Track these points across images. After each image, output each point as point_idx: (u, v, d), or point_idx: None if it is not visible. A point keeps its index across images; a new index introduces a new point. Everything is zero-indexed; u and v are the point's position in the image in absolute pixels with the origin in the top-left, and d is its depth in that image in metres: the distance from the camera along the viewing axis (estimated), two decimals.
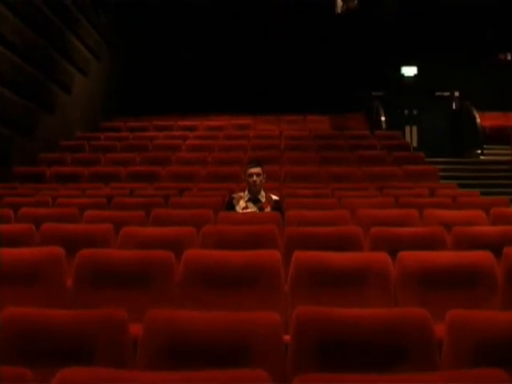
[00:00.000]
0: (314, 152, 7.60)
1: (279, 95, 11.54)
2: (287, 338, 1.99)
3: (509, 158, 8.86)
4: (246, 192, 4.42)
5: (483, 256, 2.85)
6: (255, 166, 4.38)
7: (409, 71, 12.45)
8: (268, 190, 4.59)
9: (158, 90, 11.92)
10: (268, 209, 4.33)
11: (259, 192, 4.39)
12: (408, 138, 10.94)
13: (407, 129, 11.52)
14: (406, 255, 2.88)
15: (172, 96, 11.79)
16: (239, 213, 4.28)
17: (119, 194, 5.36)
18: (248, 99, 11.30)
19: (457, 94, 12.01)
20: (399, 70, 12.42)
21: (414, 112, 11.89)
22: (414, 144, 10.77)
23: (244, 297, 2.64)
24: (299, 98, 11.47)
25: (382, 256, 2.83)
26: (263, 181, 4.42)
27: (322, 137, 8.65)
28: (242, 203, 4.36)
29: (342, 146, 8.00)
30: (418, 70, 12.35)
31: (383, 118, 10.04)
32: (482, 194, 5.76)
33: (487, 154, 9.66)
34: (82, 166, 6.96)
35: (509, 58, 12.34)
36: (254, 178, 4.31)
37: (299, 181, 6.23)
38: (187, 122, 10.00)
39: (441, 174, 7.07)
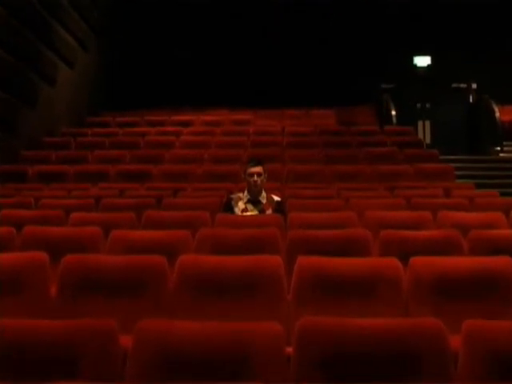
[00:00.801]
0: (319, 149, 7.60)
1: (281, 88, 11.55)
2: (289, 350, 1.99)
3: None
4: (246, 192, 4.43)
5: (502, 262, 2.85)
6: (256, 164, 4.39)
7: (422, 61, 12.45)
8: (269, 191, 4.59)
9: (150, 81, 11.94)
10: (269, 211, 4.34)
11: (260, 193, 4.40)
12: (421, 134, 10.94)
13: (420, 124, 11.53)
14: (418, 261, 2.88)
15: (165, 88, 11.81)
16: (238, 215, 4.28)
17: (108, 195, 5.37)
18: (248, 92, 11.31)
19: (474, 85, 12.01)
20: (411, 59, 12.42)
21: (428, 105, 11.90)
22: (427, 140, 10.79)
23: (243, 306, 2.65)
24: (303, 91, 11.48)
25: (393, 262, 2.83)
26: (264, 181, 4.43)
27: (328, 133, 8.65)
28: (241, 205, 4.37)
29: (348, 143, 8.00)
30: (432, 60, 12.36)
31: (394, 113, 10.05)
32: (502, 194, 5.76)
33: (507, 151, 9.64)
34: (68, 164, 6.97)
35: None
36: (255, 177, 4.32)
37: (303, 180, 6.24)
38: (181, 117, 10.00)
39: (456, 172, 7.08)
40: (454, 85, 12.11)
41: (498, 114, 10.04)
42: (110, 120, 9.86)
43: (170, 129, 9.10)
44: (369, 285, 2.73)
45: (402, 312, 2.70)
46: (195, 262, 2.84)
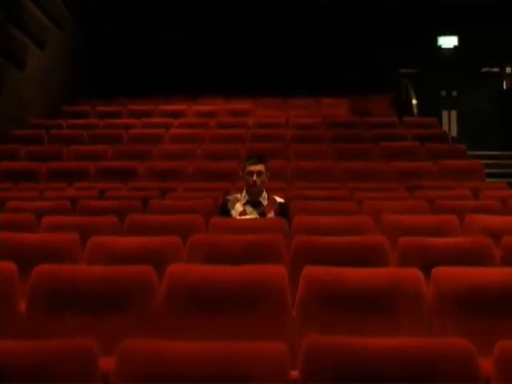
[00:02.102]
0: (329, 144, 7.60)
1: (285, 73, 11.56)
2: (295, 373, 2.00)
3: None
4: (244, 193, 4.44)
5: None
6: (256, 162, 4.40)
7: (447, 42, 12.43)
8: (271, 191, 4.60)
9: (136, 66, 11.95)
10: (271, 214, 4.35)
11: (260, 193, 4.41)
12: (446, 126, 10.97)
13: (445, 114, 11.56)
14: (443, 272, 2.89)
15: (152, 74, 11.82)
16: (236, 219, 4.29)
17: (86, 196, 5.38)
18: (247, 78, 11.31)
19: (508, 70, 12.01)
20: (435, 40, 12.42)
21: (454, 93, 11.92)
22: (453, 133, 10.81)
23: (241, 323, 2.66)
24: (310, 77, 11.49)
25: (414, 273, 2.84)
26: (266, 180, 4.44)
27: (339, 125, 8.66)
28: (238, 207, 4.37)
29: (362, 137, 8.01)
30: (459, 41, 12.35)
31: (415, 101, 10.05)
32: None
33: None
34: (40, 161, 6.96)
35: None
36: (254, 177, 4.33)
37: (310, 179, 6.24)
38: (171, 107, 10.00)
39: (487, 170, 7.09)
40: (485, 69, 12.11)
41: None
42: (89, 110, 9.86)
43: (157, 120, 9.10)
44: (386, 299, 2.73)
45: (423, 330, 2.71)
46: (187, 272, 2.85)
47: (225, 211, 4.40)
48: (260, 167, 4.38)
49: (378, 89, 11.14)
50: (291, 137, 8.01)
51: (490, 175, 7.12)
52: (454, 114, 11.67)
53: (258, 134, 8.09)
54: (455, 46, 12.38)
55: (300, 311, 2.74)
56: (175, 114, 9.46)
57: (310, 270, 2.85)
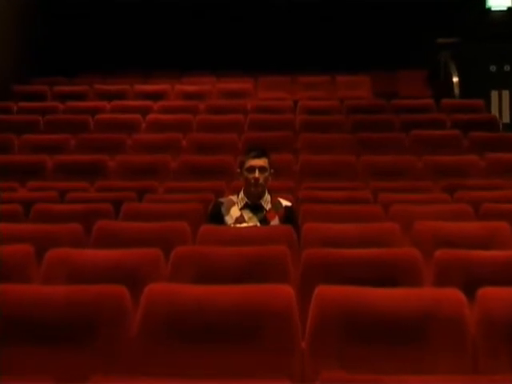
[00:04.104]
0: (347, 133, 7.62)
1: (293, 45, 11.54)
2: None
3: None
4: (242, 194, 4.45)
5: None
6: (258, 155, 4.41)
7: (499, 3, 12.39)
8: (275, 192, 4.61)
9: (105, 35, 11.89)
10: (275, 220, 4.36)
11: (262, 195, 4.42)
12: (495, 110, 10.94)
13: (494, 95, 11.52)
14: (491, 294, 2.89)
15: (126, 45, 11.78)
16: (231, 227, 4.30)
17: (43, 198, 5.37)
18: (245, 51, 11.31)
19: None
20: (483, 1, 12.39)
21: (506, 68, 11.89)
22: (506, 119, 10.78)
23: (239, 357, 2.65)
24: (324, 49, 11.47)
25: (454, 295, 2.84)
26: (269, 178, 4.45)
27: (360, 109, 8.66)
28: (234, 211, 4.39)
29: (390, 124, 8.01)
30: None
31: (456, 79, 10.05)
32: None
33: None
34: None
35: None
36: (256, 173, 4.34)
37: (323, 177, 6.25)
38: (150, 86, 10.03)
39: None
40: None
41: None
42: (46, 90, 9.87)
43: (132, 103, 9.12)
44: (419, 328, 2.73)
45: (466, 367, 2.71)
46: (169, 294, 2.85)
47: (217, 217, 4.41)
48: (263, 162, 4.39)
49: (409, 63, 11.12)
50: (300, 124, 8.01)
51: None
52: (506, 94, 11.63)
53: (258, 120, 8.10)
54: (509, 8, 12.35)
55: (311, 342, 2.74)
56: (155, 96, 9.47)
57: (324, 291, 2.85)
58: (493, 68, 11.89)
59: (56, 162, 6.75)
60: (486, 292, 2.89)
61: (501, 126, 8.94)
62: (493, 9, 12.34)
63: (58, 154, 6.95)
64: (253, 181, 4.35)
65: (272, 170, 4.48)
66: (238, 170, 4.58)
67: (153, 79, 10.56)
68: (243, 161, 4.48)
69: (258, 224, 4.35)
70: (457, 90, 9.92)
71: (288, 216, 4.39)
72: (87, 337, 2.75)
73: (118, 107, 8.87)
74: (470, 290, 2.91)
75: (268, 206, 4.42)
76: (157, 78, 10.58)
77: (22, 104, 9.04)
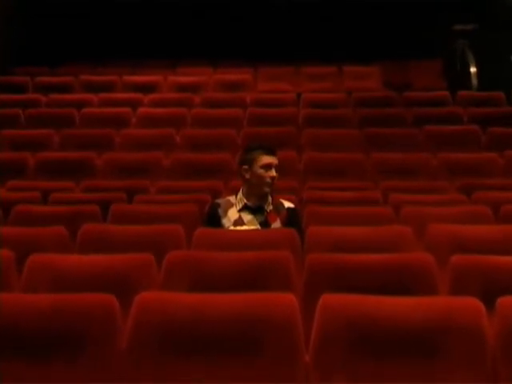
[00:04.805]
0: (355, 128, 7.62)
1: (297, 32, 11.54)
2: None
3: None
4: (240, 195, 4.45)
5: None
6: (273, 152, 4.43)
7: None
8: (277, 193, 4.61)
9: (92, 22, 11.88)
10: (276, 223, 4.37)
11: (266, 196, 4.43)
12: None
13: None
14: (511, 302, 2.89)
15: (115, 32, 11.76)
16: (229, 230, 4.30)
17: (24, 199, 5.37)
18: (244, 38, 11.31)
19: None
20: None
21: None
22: None
23: (238, 371, 2.66)
24: (330, 37, 11.47)
25: (472, 304, 2.83)
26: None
27: (369, 102, 8.68)
28: (232, 213, 4.39)
29: (401, 118, 8.02)
30: None
31: (473, 70, 10.04)
32: None
33: None
34: None
35: None
36: (273, 171, 4.36)
37: (329, 176, 6.26)
38: (141, 77, 10.04)
39: None
40: None
41: None
42: (27, 81, 9.88)
43: (121, 96, 9.13)
44: (432, 339, 2.73)
45: (485, 381, 2.71)
46: (162, 302, 2.85)
47: (214, 220, 4.42)
48: (277, 159, 4.42)
49: (423, 53, 11.13)
50: (304, 118, 8.02)
51: None
52: None
53: (259, 114, 8.12)
54: None
55: (316, 355, 2.74)
56: (146, 88, 9.48)
57: (330, 300, 2.85)
58: None
59: (38, 159, 6.75)
60: (506, 301, 2.89)
61: None
62: None
63: (41, 151, 6.95)
64: (269, 179, 4.35)
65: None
66: (245, 167, 4.41)
67: (144, 69, 10.57)
68: (253, 157, 4.40)
69: (258, 227, 4.35)
70: (474, 82, 9.92)
71: (291, 218, 4.40)
72: (74, 349, 2.75)
73: (106, 100, 8.88)
74: (488, 299, 2.91)
75: (269, 208, 4.42)
76: (148, 69, 10.59)
77: (1, 96, 9.02)
